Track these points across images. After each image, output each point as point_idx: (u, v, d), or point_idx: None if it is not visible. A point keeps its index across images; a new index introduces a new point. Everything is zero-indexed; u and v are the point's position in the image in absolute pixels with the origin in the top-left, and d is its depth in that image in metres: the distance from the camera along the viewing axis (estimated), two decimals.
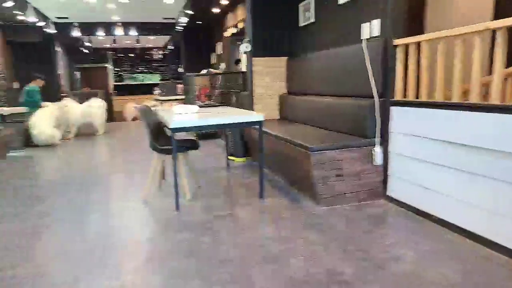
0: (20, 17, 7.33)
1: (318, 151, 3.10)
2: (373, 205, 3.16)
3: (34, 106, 7.27)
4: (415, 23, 3.12)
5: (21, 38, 9.83)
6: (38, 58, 10.46)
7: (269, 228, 2.77)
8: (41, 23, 8.66)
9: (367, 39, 3.42)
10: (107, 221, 3.08)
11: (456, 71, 2.54)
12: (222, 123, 3.35)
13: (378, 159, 3.18)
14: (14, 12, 7.17)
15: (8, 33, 9.59)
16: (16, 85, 9.57)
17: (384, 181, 3.23)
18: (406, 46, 3.00)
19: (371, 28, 3.38)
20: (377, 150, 3.18)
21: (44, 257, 2.45)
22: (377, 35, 3.30)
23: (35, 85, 7.71)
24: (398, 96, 3.08)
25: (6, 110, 7.02)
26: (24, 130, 6.89)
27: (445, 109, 2.58)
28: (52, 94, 9.61)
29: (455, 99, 2.55)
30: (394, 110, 3.08)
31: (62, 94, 10.88)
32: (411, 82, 2.96)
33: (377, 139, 3.20)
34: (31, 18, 7.78)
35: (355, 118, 3.41)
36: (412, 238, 2.51)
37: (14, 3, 6.68)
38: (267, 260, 2.29)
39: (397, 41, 3.03)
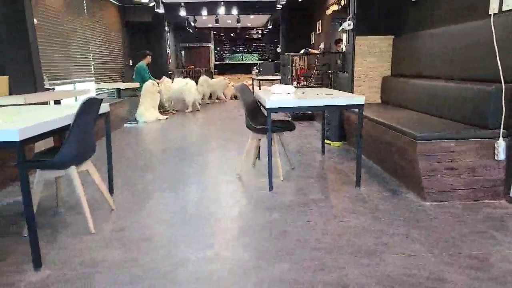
0: None
1: (426, 140, 2.79)
2: (491, 206, 2.75)
3: (142, 82, 7.95)
4: None
5: (135, 18, 10.74)
6: (149, 38, 11.35)
7: (364, 219, 2.60)
8: (152, 3, 9.31)
9: (495, 13, 2.92)
10: (203, 193, 3.22)
11: None
12: (320, 104, 3.23)
13: (501, 153, 2.74)
14: None
15: (125, 13, 10.55)
16: (130, 62, 10.58)
17: (508, 180, 2.78)
18: None
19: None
20: (501, 143, 2.74)
21: (149, 221, 2.66)
22: (509, 8, 2.78)
23: (143, 63, 8.40)
24: None
25: (122, 85, 7.82)
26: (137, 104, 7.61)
27: None
28: (161, 71, 10.42)
29: None
30: None
31: (169, 72, 11.73)
32: None
33: (502, 131, 2.75)
34: None
35: (474, 105, 2.97)
36: None
37: None
38: (361, 252, 2.14)
39: None
